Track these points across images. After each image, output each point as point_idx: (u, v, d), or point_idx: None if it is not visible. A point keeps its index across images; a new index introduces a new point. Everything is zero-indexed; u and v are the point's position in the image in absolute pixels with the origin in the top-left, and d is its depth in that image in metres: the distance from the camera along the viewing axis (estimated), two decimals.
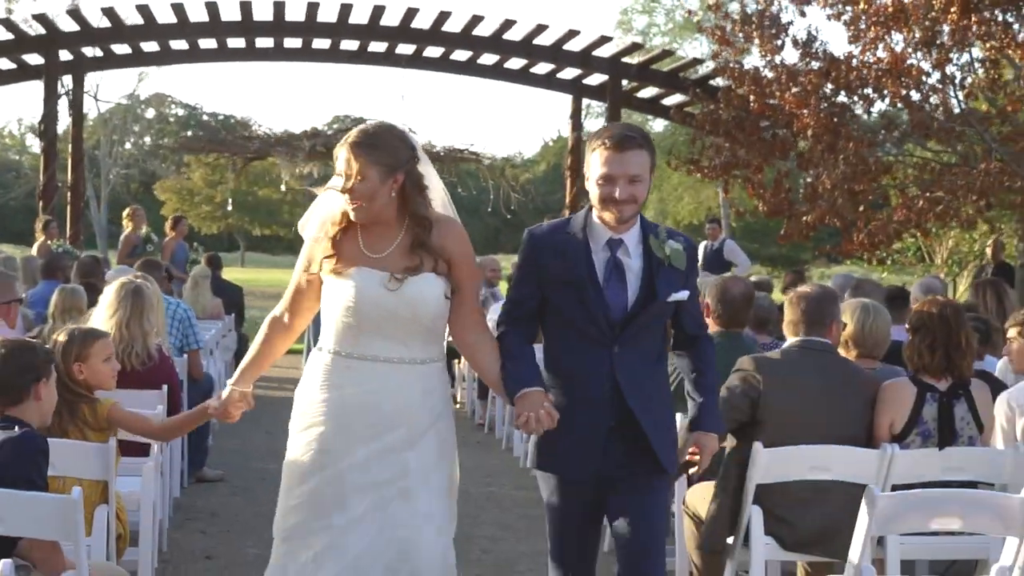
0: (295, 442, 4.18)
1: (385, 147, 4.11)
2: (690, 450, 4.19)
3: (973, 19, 12.33)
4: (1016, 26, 12.75)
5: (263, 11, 16.50)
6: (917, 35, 12.88)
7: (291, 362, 15.91)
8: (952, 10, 12.25)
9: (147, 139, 63.35)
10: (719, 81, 15.66)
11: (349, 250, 4.17)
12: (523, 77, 18.88)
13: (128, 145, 58.65)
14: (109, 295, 6.67)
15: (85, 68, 18.64)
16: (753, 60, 15.07)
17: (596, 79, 18.42)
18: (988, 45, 12.78)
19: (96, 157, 49.47)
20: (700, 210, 42.02)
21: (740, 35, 14.49)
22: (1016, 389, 5.25)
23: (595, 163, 4.07)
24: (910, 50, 13.14)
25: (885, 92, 13.30)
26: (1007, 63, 13.43)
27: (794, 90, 13.40)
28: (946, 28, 12.72)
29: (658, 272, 4.08)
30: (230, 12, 16.51)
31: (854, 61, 13.35)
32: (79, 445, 4.69)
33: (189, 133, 72.75)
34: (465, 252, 4.25)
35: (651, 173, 4.12)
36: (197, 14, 16.41)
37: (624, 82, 17.93)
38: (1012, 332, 5.79)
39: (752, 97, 13.88)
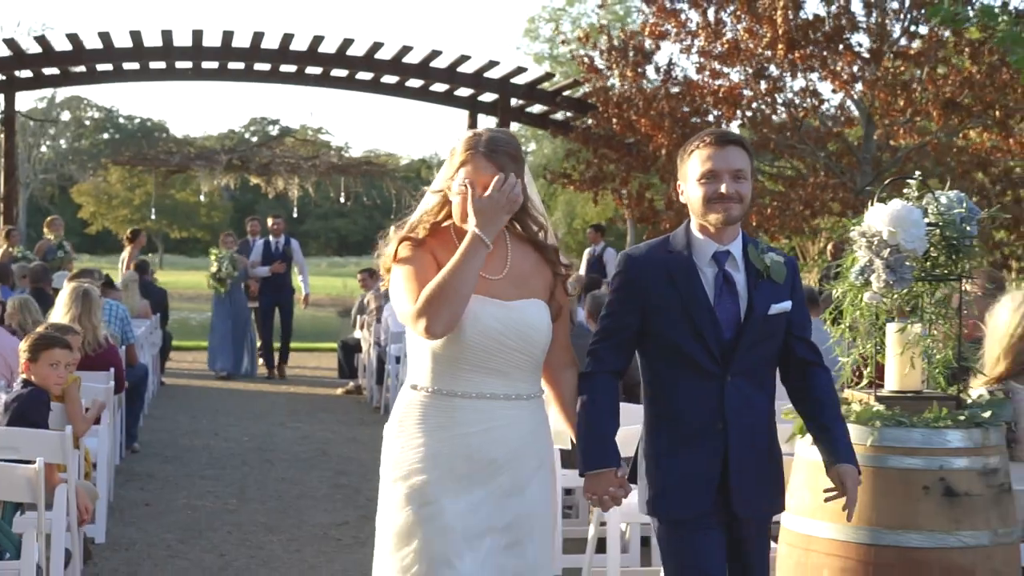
0: (391, 493, 3.68)
1: (514, 145, 3.74)
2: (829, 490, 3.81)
3: (797, 54, 14.44)
4: (830, 60, 14.90)
5: (183, 38, 18.16)
6: (750, 70, 14.95)
7: (197, 357, 17.66)
8: (780, 47, 14.34)
9: (63, 142, 63.56)
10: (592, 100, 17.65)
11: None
12: (423, 95, 20.69)
13: (44, 149, 58.91)
14: (64, 296, 8.37)
15: (16, 88, 20.10)
16: (619, 82, 16.96)
17: (488, 96, 20.30)
18: (809, 77, 14.93)
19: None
20: (607, 210, 44.16)
21: (606, 64, 16.48)
22: None
23: (694, 164, 3.75)
24: (744, 80, 15.20)
25: (721, 116, 15.35)
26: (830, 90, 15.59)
27: (651, 114, 15.40)
28: (773, 64, 14.82)
29: (756, 285, 3.76)
30: (152, 39, 18.16)
31: (705, 89, 15.41)
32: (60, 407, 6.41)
33: (106, 136, 73.68)
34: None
35: (752, 178, 3.81)
36: (121, 41, 18.01)
37: (512, 100, 19.84)
38: None
39: (615, 120, 15.87)
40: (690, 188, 3.80)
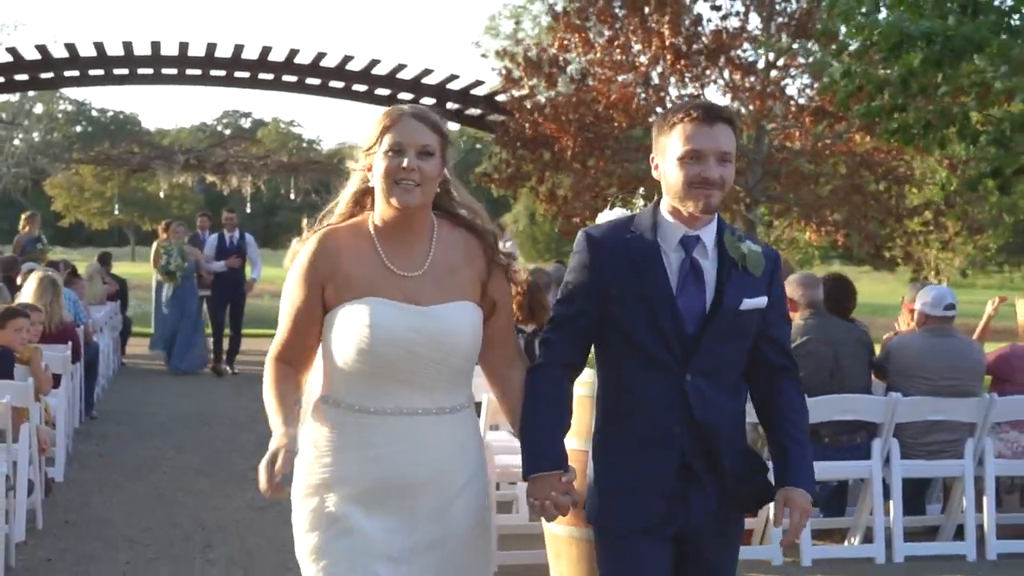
0: (300, 512, 3.42)
1: (440, 119, 3.41)
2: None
3: (683, 63, 16.30)
4: (708, 72, 16.80)
5: (169, 48, 19.81)
6: (637, 78, 16.82)
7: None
8: (668, 57, 16.19)
9: (35, 135, 64.45)
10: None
11: (364, 266, 3.35)
12: (367, 97, 22.39)
13: (16, 142, 59.78)
14: (33, 283, 10.01)
15: None
16: (528, 91, 18.73)
17: (426, 101, 22.02)
18: (693, 85, 16.80)
19: None
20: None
21: (522, 75, 18.30)
22: None
23: (675, 140, 3.30)
24: (632, 88, 17.03)
25: (614, 120, 17.18)
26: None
27: (561, 119, 17.24)
28: (655, 72, 16.69)
29: (730, 275, 3.34)
30: (113, 48, 19.78)
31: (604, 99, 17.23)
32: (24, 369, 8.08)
33: (78, 129, 74.87)
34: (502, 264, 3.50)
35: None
36: (86, 50, 19.66)
37: (448, 104, 21.58)
38: None
39: (527, 125, 17.70)
40: (668, 166, 3.34)
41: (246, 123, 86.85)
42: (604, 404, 3.48)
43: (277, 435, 3.32)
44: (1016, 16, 9.69)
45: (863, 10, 9.65)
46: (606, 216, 5.99)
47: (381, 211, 3.36)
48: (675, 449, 3.35)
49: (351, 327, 3.30)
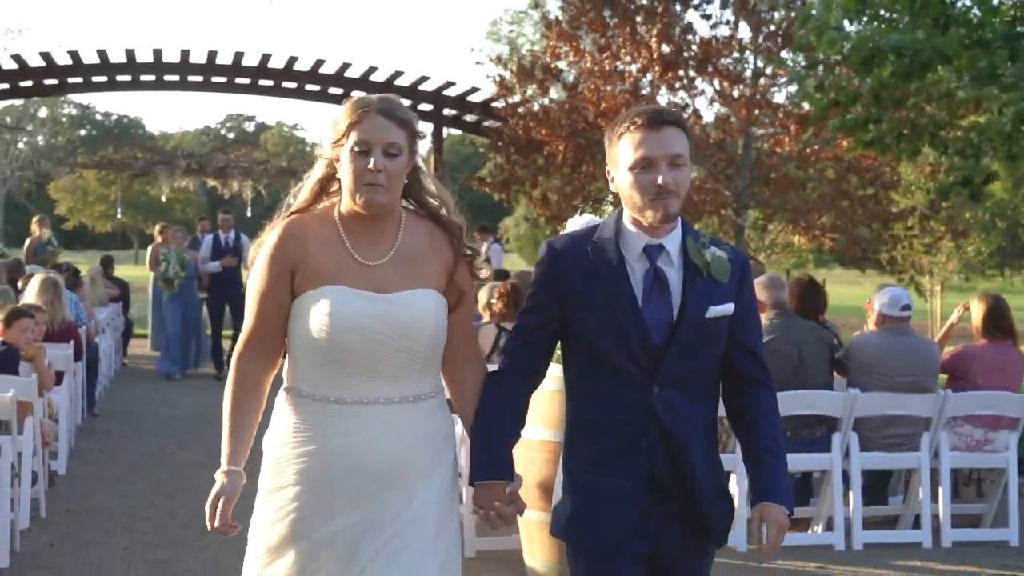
0: (264, 506, 3.41)
1: (407, 110, 3.38)
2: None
3: (671, 75, 16.73)
4: (699, 81, 17.23)
5: (171, 55, 20.24)
6: (627, 86, 17.25)
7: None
8: (656, 68, 16.62)
9: (40, 139, 64.76)
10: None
11: (329, 255, 3.34)
12: None
13: (21, 145, 60.08)
14: (36, 285, 10.40)
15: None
16: (529, 95, 19.17)
17: (425, 107, 22.43)
18: (680, 95, 17.26)
19: None
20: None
21: (515, 82, 18.73)
22: None
23: (624, 150, 3.28)
24: (623, 97, 17.45)
25: (604, 128, 17.60)
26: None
27: (553, 126, 17.69)
28: (646, 80, 17.10)
29: (694, 283, 3.30)
30: (116, 55, 20.20)
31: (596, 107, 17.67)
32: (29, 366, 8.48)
33: (82, 133, 75.25)
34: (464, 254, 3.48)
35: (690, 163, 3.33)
36: (89, 57, 20.06)
37: (445, 110, 22.00)
38: None
39: (520, 131, 18.14)
40: (621, 177, 3.32)
41: (250, 127, 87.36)
42: (572, 416, 3.44)
43: (219, 477, 3.37)
44: (986, 29, 10.02)
45: (833, 24, 10.00)
46: (576, 222, 6.37)
47: (347, 204, 3.35)
48: (644, 463, 3.30)
49: (313, 315, 3.28)
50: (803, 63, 12.31)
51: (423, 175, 3.47)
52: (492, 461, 3.36)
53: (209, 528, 3.36)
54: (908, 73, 9.78)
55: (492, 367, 3.57)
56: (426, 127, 22.22)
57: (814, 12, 10.57)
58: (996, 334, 7.93)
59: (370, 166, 3.25)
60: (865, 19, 10.46)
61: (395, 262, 3.34)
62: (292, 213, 3.44)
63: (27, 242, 17.67)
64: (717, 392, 3.45)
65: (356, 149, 3.27)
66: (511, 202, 21.56)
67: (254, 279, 3.40)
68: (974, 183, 10.33)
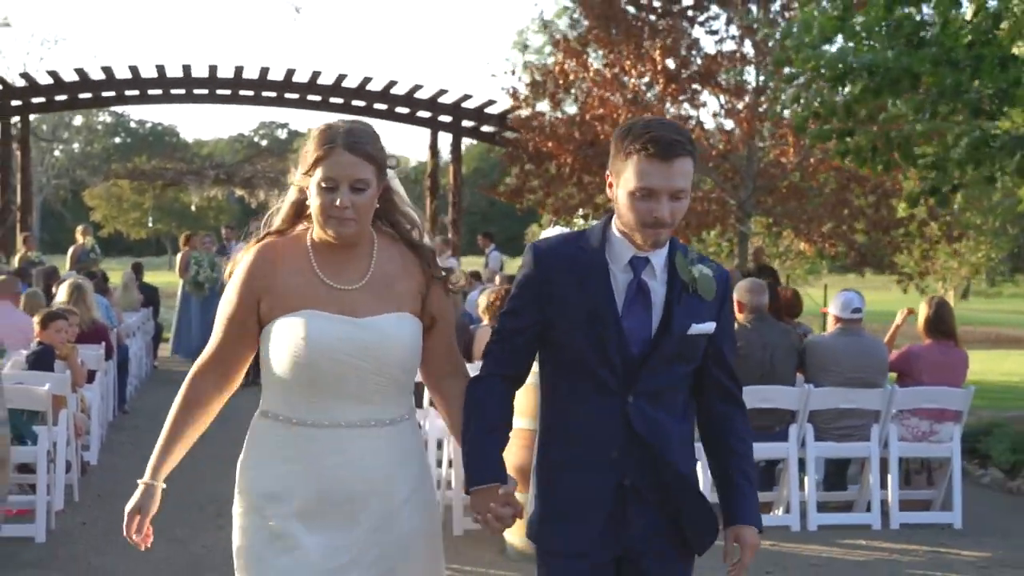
0: (242, 526, 3.41)
1: (375, 141, 3.33)
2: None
3: (673, 87, 17.51)
4: (699, 95, 18.01)
5: (200, 70, 21.13)
6: (630, 96, 18.04)
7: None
8: (660, 81, 17.40)
9: (75, 147, 65.72)
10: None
11: (300, 280, 3.35)
12: (387, 115, 23.68)
13: (57, 153, 60.97)
14: (65, 289, 11.25)
15: (30, 111, 23.10)
16: (542, 108, 20.01)
17: (445, 118, 23.26)
18: (683, 107, 18.04)
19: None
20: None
21: (529, 94, 19.57)
22: None
23: (629, 171, 3.21)
24: (625, 108, 18.21)
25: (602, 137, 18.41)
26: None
27: (556, 139, 18.56)
28: (651, 95, 17.89)
29: (679, 299, 3.27)
30: (147, 70, 21.13)
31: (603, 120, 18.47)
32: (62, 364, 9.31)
33: (117, 140, 76.37)
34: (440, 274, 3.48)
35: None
36: (121, 72, 21.03)
37: (464, 122, 22.86)
38: None
39: (531, 143, 18.98)
40: (621, 195, 3.26)
41: (283, 134, 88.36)
42: (545, 420, 3.41)
43: (140, 488, 3.44)
44: (955, 50, 10.65)
45: (807, 41, 10.67)
46: (548, 234, 7.09)
47: (318, 232, 3.35)
48: (613, 471, 3.28)
49: (286, 340, 3.29)
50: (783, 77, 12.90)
51: (396, 196, 3.46)
52: (484, 466, 3.32)
53: (125, 535, 3.47)
54: (878, 90, 10.45)
55: None
56: (445, 138, 23.12)
57: (795, 30, 11.25)
58: (939, 335, 8.65)
59: (336, 203, 3.25)
60: (847, 35, 11.08)
61: (369, 287, 3.34)
62: (266, 235, 3.45)
63: (71, 249, 18.48)
64: (692, 404, 3.43)
65: (323, 185, 3.26)
66: (524, 210, 22.33)
67: (224, 302, 3.45)
68: (942, 192, 11.01)
